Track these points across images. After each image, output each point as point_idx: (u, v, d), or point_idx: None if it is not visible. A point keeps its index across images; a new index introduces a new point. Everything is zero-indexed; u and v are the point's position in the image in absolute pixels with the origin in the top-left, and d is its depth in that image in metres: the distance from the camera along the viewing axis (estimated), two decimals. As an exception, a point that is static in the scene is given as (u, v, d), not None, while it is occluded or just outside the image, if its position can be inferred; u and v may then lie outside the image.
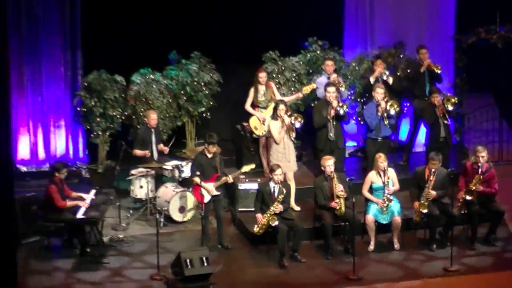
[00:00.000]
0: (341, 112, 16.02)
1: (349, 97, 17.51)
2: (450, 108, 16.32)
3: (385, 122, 16.14)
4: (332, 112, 15.97)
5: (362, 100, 17.55)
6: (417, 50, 17.62)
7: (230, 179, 15.20)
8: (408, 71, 17.83)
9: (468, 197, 14.88)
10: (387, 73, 17.25)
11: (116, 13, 17.82)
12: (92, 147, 17.75)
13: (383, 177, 14.95)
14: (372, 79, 17.01)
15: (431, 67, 17.26)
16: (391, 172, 15.13)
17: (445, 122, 16.41)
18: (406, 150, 17.79)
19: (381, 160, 14.98)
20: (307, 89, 16.87)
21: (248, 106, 16.79)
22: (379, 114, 16.07)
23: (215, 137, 15.07)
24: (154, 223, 14.75)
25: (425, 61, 17.32)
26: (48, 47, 17.66)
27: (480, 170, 14.97)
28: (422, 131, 17.55)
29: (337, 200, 14.64)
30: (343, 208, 14.66)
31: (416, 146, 17.99)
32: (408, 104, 18.06)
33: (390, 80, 17.07)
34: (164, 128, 17.25)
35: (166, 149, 16.52)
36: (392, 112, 16.12)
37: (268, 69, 17.38)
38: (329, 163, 14.78)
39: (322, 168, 14.90)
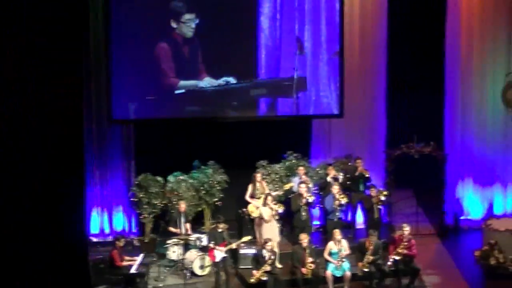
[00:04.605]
0: (310, 200, 16.45)
1: (314, 191, 17.60)
2: (383, 198, 16.79)
3: (337, 212, 16.55)
4: (304, 201, 16.39)
5: (321, 193, 17.64)
6: (355, 160, 17.96)
7: (234, 246, 15.68)
8: (347, 175, 17.89)
9: (397, 257, 15.29)
10: (341, 174, 17.62)
11: (157, 135, 18.09)
12: (141, 225, 17.90)
13: (338, 246, 15.38)
14: (328, 179, 17.37)
15: (363, 172, 17.60)
16: (344, 243, 15.53)
17: (379, 207, 16.79)
18: (352, 228, 17.88)
19: (337, 234, 15.47)
20: (287, 187, 17.34)
21: (247, 197, 17.08)
22: (335, 203, 16.54)
23: (222, 219, 15.73)
24: (183, 276, 15.26)
25: (359, 167, 17.64)
26: (111, 158, 17.86)
27: (405, 239, 15.45)
28: (359, 214, 17.72)
29: (307, 268, 14.93)
30: (310, 275, 14.97)
31: (356, 224, 18.02)
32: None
33: (340, 179, 17.39)
34: (190, 212, 17.30)
35: (189, 229, 16.59)
36: (343, 202, 16.58)
37: (260, 172, 17.59)
38: (305, 239, 15.20)
39: (299, 241, 15.24)
